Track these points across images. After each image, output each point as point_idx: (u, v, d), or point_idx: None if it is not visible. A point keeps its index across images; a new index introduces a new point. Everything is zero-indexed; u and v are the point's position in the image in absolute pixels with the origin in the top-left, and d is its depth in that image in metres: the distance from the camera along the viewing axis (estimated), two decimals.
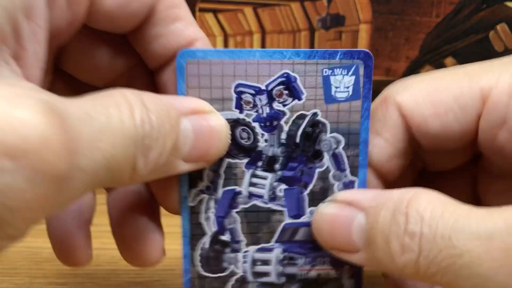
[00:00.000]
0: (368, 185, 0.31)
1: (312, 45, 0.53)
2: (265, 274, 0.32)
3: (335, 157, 0.30)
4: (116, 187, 0.33)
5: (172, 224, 0.34)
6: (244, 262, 0.32)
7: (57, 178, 0.20)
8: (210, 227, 0.31)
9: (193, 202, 0.31)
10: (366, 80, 0.30)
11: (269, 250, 0.31)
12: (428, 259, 0.25)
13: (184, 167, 0.28)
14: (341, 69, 0.29)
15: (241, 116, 0.30)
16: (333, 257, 0.30)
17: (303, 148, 0.30)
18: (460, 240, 0.24)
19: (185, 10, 0.30)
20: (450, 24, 0.53)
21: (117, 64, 0.31)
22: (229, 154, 0.30)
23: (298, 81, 0.30)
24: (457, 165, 0.34)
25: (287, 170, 0.31)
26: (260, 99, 0.30)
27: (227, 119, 0.29)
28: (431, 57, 0.54)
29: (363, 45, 0.53)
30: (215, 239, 0.31)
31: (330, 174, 0.31)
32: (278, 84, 0.30)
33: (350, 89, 0.30)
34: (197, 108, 0.28)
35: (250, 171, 0.31)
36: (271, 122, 0.30)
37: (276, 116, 0.30)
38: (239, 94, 0.30)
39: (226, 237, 0.31)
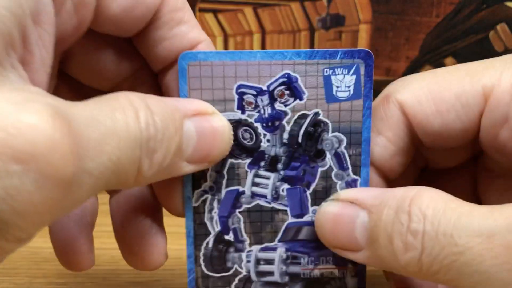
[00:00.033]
0: (370, 184, 0.31)
1: (312, 45, 0.53)
2: (269, 273, 0.32)
3: (337, 156, 0.31)
4: (119, 191, 0.33)
5: (172, 224, 0.34)
6: (248, 261, 0.32)
7: (64, 181, 0.20)
8: (214, 227, 0.31)
9: (196, 202, 0.31)
10: (367, 79, 0.30)
11: (273, 249, 0.31)
12: (430, 256, 0.25)
13: (188, 168, 0.28)
14: (342, 68, 0.29)
15: (243, 116, 0.30)
16: (336, 256, 0.31)
17: (305, 148, 0.30)
18: (462, 238, 0.24)
19: (188, 13, 0.30)
20: (450, 24, 0.53)
21: (122, 68, 0.31)
22: (231, 154, 0.30)
23: (299, 81, 0.30)
24: (458, 163, 0.34)
25: (289, 169, 0.31)
26: (261, 100, 0.30)
27: (229, 120, 0.29)
28: (431, 57, 0.54)
29: (363, 45, 0.53)
30: (218, 239, 0.31)
31: (333, 173, 0.31)
32: (280, 85, 0.30)
33: (351, 88, 0.30)
34: (200, 109, 0.28)
35: (253, 171, 0.31)
36: (273, 122, 0.30)
37: (278, 116, 0.30)
38: (240, 95, 0.30)
39: (229, 237, 0.31)
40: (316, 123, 0.30)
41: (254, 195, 0.31)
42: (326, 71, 0.30)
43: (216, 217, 0.31)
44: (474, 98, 0.29)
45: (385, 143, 0.31)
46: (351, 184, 0.31)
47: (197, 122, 0.28)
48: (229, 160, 0.31)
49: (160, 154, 0.25)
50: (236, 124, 0.30)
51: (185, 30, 0.30)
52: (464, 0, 0.52)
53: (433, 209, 0.25)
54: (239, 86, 0.30)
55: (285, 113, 0.30)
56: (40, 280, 0.42)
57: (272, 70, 0.30)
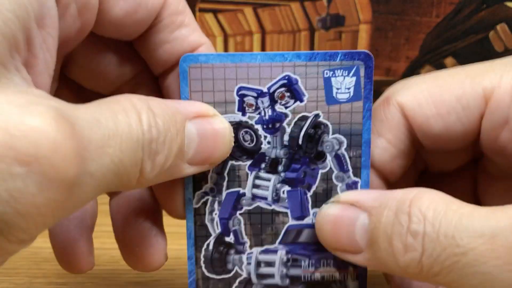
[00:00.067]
0: (371, 186, 0.31)
1: (312, 45, 0.53)
2: (269, 276, 0.32)
3: (338, 158, 0.31)
4: (119, 192, 0.33)
5: (172, 224, 0.34)
6: (248, 263, 0.32)
7: (67, 183, 0.21)
8: (214, 229, 0.31)
9: (197, 204, 0.31)
10: (367, 80, 0.30)
11: (273, 251, 0.32)
12: (431, 258, 0.25)
13: (189, 170, 0.28)
14: (341, 70, 0.30)
15: (244, 118, 0.30)
16: (337, 259, 0.31)
17: (306, 150, 0.30)
18: (464, 239, 0.24)
19: (189, 17, 0.30)
20: (450, 24, 0.53)
21: (122, 71, 0.31)
22: (232, 156, 0.30)
23: (300, 83, 0.30)
24: (458, 165, 0.34)
25: (290, 171, 0.31)
26: (262, 102, 0.30)
27: (230, 122, 0.29)
28: (431, 57, 0.54)
29: (363, 45, 0.53)
30: (219, 241, 0.31)
31: (333, 175, 0.31)
32: (280, 87, 0.30)
33: (351, 90, 0.30)
34: (201, 111, 0.28)
35: (254, 173, 0.31)
36: (273, 124, 0.30)
37: (278, 118, 0.30)
38: (241, 97, 0.30)
39: (230, 239, 0.31)
40: (317, 125, 0.30)
41: (254, 197, 0.31)
42: (326, 73, 0.30)
43: (216, 219, 0.31)
44: (474, 100, 0.29)
45: (385, 145, 0.31)
46: (351, 186, 0.31)
47: (198, 124, 0.28)
48: (230, 162, 0.31)
49: (162, 156, 0.25)
50: (237, 126, 0.30)
51: (186, 33, 0.30)
52: (464, 0, 0.52)
53: (433, 210, 0.25)
54: (240, 88, 0.30)
55: (286, 115, 0.30)
56: (40, 280, 0.42)
57: (272, 72, 0.30)
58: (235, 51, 0.54)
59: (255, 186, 0.31)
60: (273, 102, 0.30)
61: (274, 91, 0.30)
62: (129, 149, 0.23)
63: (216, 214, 0.31)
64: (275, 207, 0.31)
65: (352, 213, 0.29)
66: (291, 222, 0.31)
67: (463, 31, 0.53)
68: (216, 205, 0.31)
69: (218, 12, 0.52)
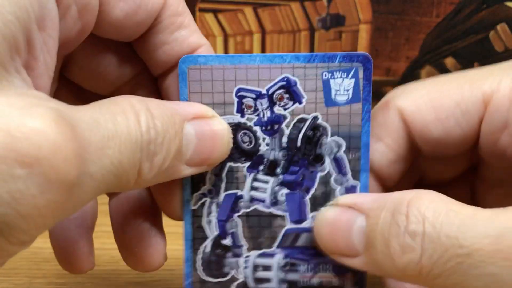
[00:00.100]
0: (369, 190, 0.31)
1: (312, 45, 0.53)
2: (266, 280, 0.31)
3: (337, 161, 0.31)
4: (118, 193, 0.34)
5: (172, 224, 0.34)
6: (245, 267, 0.32)
7: (68, 185, 0.21)
8: (212, 231, 0.31)
9: (195, 205, 0.31)
10: (366, 82, 0.30)
11: (271, 255, 0.31)
12: (431, 259, 0.24)
13: (187, 171, 0.28)
14: (340, 72, 0.30)
15: (243, 120, 0.30)
16: (336, 264, 0.30)
17: (304, 152, 0.30)
18: (468, 239, 0.24)
19: (189, 18, 0.30)
20: (450, 24, 0.53)
21: (122, 72, 0.31)
22: (231, 157, 0.30)
23: (298, 85, 0.30)
24: (455, 174, 0.34)
25: (288, 174, 0.31)
26: (261, 103, 0.30)
27: (228, 123, 0.29)
28: (431, 57, 0.54)
29: (363, 45, 0.53)
30: (216, 243, 0.31)
31: (332, 178, 0.31)
32: (279, 88, 0.30)
33: (350, 92, 0.30)
34: (200, 113, 0.28)
35: (252, 175, 0.31)
36: (272, 126, 0.30)
37: (277, 119, 0.30)
38: (240, 98, 0.30)
39: (227, 242, 0.31)
40: (315, 127, 0.30)
41: (252, 199, 0.31)
42: (325, 75, 0.30)
43: (214, 221, 0.31)
44: (473, 105, 0.29)
45: (384, 149, 0.31)
46: (350, 189, 0.31)
47: (197, 125, 0.28)
48: (228, 164, 0.31)
49: (160, 157, 0.26)
50: (236, 128, 0.30)
51: (185, 35, 0.30)
52: (464, 0, 0.52)
53: (433, 211, 0.25)
54: (239, 90, 0.30)
55: (284, 117, 0.30)
56: (40, 280, 0.42)
57: (271, 73, 0.30)
58: (235, 51, 0.54)
59: (253, 188, 0.31)
60: (272, 103, 0.30)
61: (273, 93, 0.30)
62: (128, 151, 0.24)
63: (214, 216, 0.31)
64: (273, 210, 0.31)
65: (350, 215, 0.28)
66: (289, 225, 0.31)
67: (463, 31, 0.53)
68: (214, 207, 0.31)
69: (218, 12, 0.52)
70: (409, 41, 0.53)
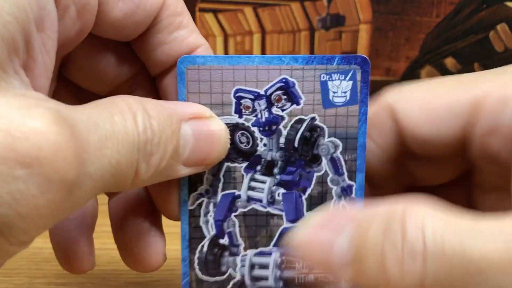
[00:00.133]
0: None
1: (312, 45, 0.54)
2: (263, 278, 0.32)
3: (333, 162, 0.31)
4: (118, 193, 0.34)
5: (172, 225, 0.34)
6: (242, 266, 0.32)
7: (67, 185, 0.21)
8: (209, 231, 0.31)
9: (192, 205, 0.31)
10: (363, 85, 0.30)
11: (267, 254, 0.32)
12: (437, 279, 0.22)
13: (184, 171, 0.28)
14: (338, 74, 0.30)
15: (241, 120, 0.30)
16: None
17: (302, 153, 0.31)
18: (477, 253, 0.21)
19: (187, 18, 0.30)
20: (450, 24, 0.53)
21: (120, 71, 0.31)
22: (228, 158, 0.30)
23: (297, 86, 0.30)
24: (449, 179, 0.34)
25: (285, 174, 0.31)
26: (259, 104, 0.30)
27: (226, 124, 0.30)
28: (431, 57, 0.54)
29: (363, 45, 0.53)
30: (213, 243, 0.31)
31: (328, 179, 0.31)
32: (277, 89, 0.30)
33: (348, 94, 0.30)
34: (198, 113, 0.28)
35: (249, 175, 0.31)
36: (269, 127, 0.30)
37: (274, 120, 0.30)
38: (238, 99, 0.30)
39: (224, 241, 0.31)
40: (313, 128, 0.30)
41: (249, 199, 0.31)
42: (323, 77, 0.30)
43: (211, 221, 0.31)
44: (464, 108, 0.29)
45: (374, 149, 0.31)
46: (346, 189, 0.31)
47: (194, 126, 0.28)
48: (226, 164, 0.31)
49: (157, 157, 0.26)
50: (233, 128, 0.30)
51: (184, 35, 0.30)
52: (464, 0, 0.52)
53: (432, 224, 0.22)
54: (237, 90, 0.30)
55: (282, 118, 0.30)
56: (40, 280, 0.42)
57: (269, 74, 0.30)
58: (235, 51, 0.54)
59: (250, 188, 0.31)
60: (269, 104, 0.30)
61: (271, 94, 0.30)
62: (126, 151, 0.24)
63: (211, 216, 0.31)
64: (270, 209, 0.31)
65: (331, 230, 0.25)
66: (286, 224, 0.31)
67: (463, 31, 0.53)
68: (211, 207, 0.31)
69: (218, 12, 0.52)
70: (409, 41, 0.53)
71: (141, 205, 0.33)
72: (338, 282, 0.28)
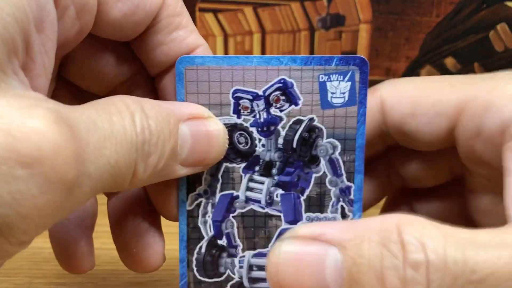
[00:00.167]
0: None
1: (312, 45, 0.54)
2: (261, 280, 0.32)
3: (332, 163, 0.31)
4: (117, 193, 0.34)
5: (172, 224, 0.34)
6: (240, 267, 0.32)
7: (67, 185, 0.21)
8: (207, 231, 0.31)
9: (190, 206, 0.31)
10: (362, 86, 0.30)
11: (266, 255, 0.31)
12: None
13: (182, 171, 0.28)
14: (337, 75, 0.30)
15: (239, 121, 0.30)
16: None
17: (300, 153, 0.31)
18: (480, 264, 0.22)
19: (187, 18, 0.30)
20: (450, 24, 0.53)
21: (119, 71, 0.31)
22: (226, 158, 0.30)
23: (295, 87, 0.30)
24: (439, 182, 0.34)
25: (284, 175, 0.31)
26: (257, 105, 0.30)
27: (225, 124, 0.30)
28: (431, 57, 0.54)
29: (363, 45, 0.53)
30: (212, 244, 0.31)
31: (327, 180, 0.31)
32: (275, 90, 0.30)
33: (346, 94, 0.30)
34: (196, 113, 0.28)
35: (247, 175, 0.31)
36: (268, 127, 0.30)
37: (273, 121, 0.30)
38: (236, 99, 0.30)
39: (223, 242, 0.31)
40: (311, 129, 0.30)
41: (248, 199, 0.31)
42: (322, 77, 0.30)
43: (209, 221, 0.31)
44: (447, 109, 0.30)
45: None
46: (344, 190, 0.31)
47: (192, 126, 0.28)
48: (224, 164, 0.31)
49: (154, 157, 0.26)
50: (232, 128, 0.30)
51: (183, 35, 0.30)
52: (464, 0, 0.52)
53: (430, 237, 0.22)
54: (235, 91, 0.30)
55: (280, 118, 0.30)
56: (40, 280, 0.42)
57: (268, 75, 0.30)
58: (235, 50, 0.54)
59: (248, 188, 0.31)
60: (268, 105, 0.30)
61: (269, 94, 0.30)
62: (124, 151, 0.24)
63: (209, 216, 0.31)
64: (268, 210, 0.31)
65: (318, 249, 0.24)
66: (284, 225, 0.31)
67: (463, 31, 0.53)
68: (209, 207, 0.31)
69: (218, 12, 0.52)
70: (409, 41, 0.53)
71: (140, 205, 0.33)
72: None
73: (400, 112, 0.31)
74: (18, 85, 0.22)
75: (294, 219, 0.31)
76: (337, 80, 0.30)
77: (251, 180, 0.31)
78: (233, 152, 0.31)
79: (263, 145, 0.31)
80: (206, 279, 0.32)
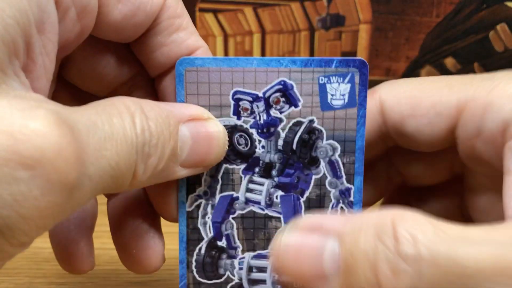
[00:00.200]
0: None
1: (312, 45, 0.54)
2: (261, 281, 0.32)
3: (331, 164, 0.31)
4: (117, 194, 0.34)
5: (171, 224, 0.34)
6: (240, 268, 0.32)
7: (68, 186, 0.21)
8: (207, 233, 0.31)
9: (190, 207, 0.31)
10: (362, 88, 0.30)
11: (265, 257, 0.32)
12: (430, 283, 0.22)
13: (182, 172, 0.28)
14: (337, 77, 0.30)
15: (239, 122, 0.30)
16: None
17: (300, 155, 0.31)
18: (470, 260, 0.22)
19: (187, 20, 0.30)
20: (450, 24, 0.53)
21: (119, 73, 0.31)
22: (226, 159, 0.30)
23: (295, 89, 0.30)
24: (439, 180, 0.34)
25: (283, 176, 0.31)
26: (257, 106, 0.30)
27: (225, 126, 0.30)
28: (431, 57, 0.54)
29: (363, 45, 0.54)
30: (211, 245, 0.31)
31: (326, 181, 0.31)
32: (275, 92, 0.30)
33: (346, 96, 0.30)
34: (196, 115, 0.28)
35: (247, 177, 0.31)
36: (268, 129, 0.30)
37: (273, 122, 0.30)
38: (236, 101, 0.30)
39: (222, 243, 0.31)
40: (311, 131, 0.30)
41: (248, 201, 0.31)
42: (322, 79, 0.30)
43: (209, 223, 0.31)
44: (447, 109, 0.30)
45: None
46: (344, 192, 0.31)
47: (192, 127, 0.28)
48: (224, 165, 0.31)
49: (154, 159, 0.26)
50: (232, 130, 0.30)
51: (183, 37, 0.30)
52: (464, 0, 0.52)
53: (422, 231, 0.23)
54: (235, 92, 0.30)
55: (280, 120, 0.30)
56: (40, 280, 0.42)
57: (268, 77, 0.30)
58: (235, 50, 0.54)
59: (248, 190, 0.31)
60: (268, 106, 0.30)
61: (269, 96, 0.30)
62: (124, 152, 0.24)
63: (209, 217, 0.31)
64: (268, 211, 0.31)
65: (318, 239, 0.25)
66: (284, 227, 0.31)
67: (463, 31, 0.53)
68: (209, 209, 0.31)
69: (218, 12, 0.52)
70: (409, 41, 0.53)
71: (140, 206, 0.33)
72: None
73: (400, 113, 0.31)
74: (19, 86, 0.22)
75: None
76: (337, 82, 0.30)
77: (251, 181, 0.31)
78: (233, 154, 0.31)
79: (263, 147, 0.31)
80: (206, 281, 0.32)
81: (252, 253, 0.32)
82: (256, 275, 0.32)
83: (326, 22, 0.53)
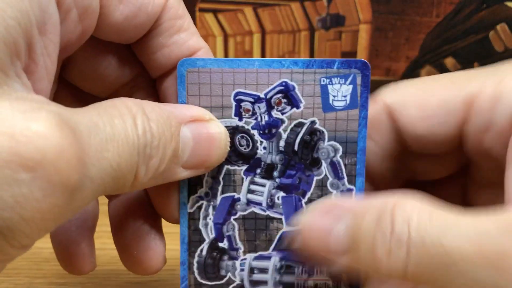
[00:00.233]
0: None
1: (312, 45, 0.54)
2: (262, 282, 0.32)
3: (333, 165, 0.31)
4: (118, 195, 0.34)
5: (172, 225, 0.34)
6: (242, 270, 0.32)
7: (70, 188, 0.21)
8: (208, 234, 0.31)
9: (191, 208, 0.31)
10: (364, 89, 0.30)
11: (267, 258, 0.32)
12: (418, 266, 0.24)
13: (184, 173, 0.28)
14: (338, 78, 0.30)
15: (240, 123, 0.30)
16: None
17: (301, 156, 0.31)
18: (454, 246, 0.23)
19: (188, 21, 0.30)
20: (450, 24, 0.53)
21: (120, 74, 0.31)
22: (228, 160, 0.30)
23: (297, 90, 0.30)
24: (447, 174, 0.34)
25: (285, 177, 0.31)
26: (259, 107, 0.30)
27: (226, 127, 0.30)
28: (431, 57, 0.54)
29: (363, 45, 0.54)
30: (213, 246, 0.31)
31: (328, 183, 0.31)
32: (277, 93, 0.30)
33: (348, 98, 0.30)
34: (197, 116, 0.28)
35: (249, 178, 0.31)
36: (269, 130, 0.30)
37: (274, 123, 0.30)
38: (238, 102, 0.30)
39: (224, 244, 0.31)
40: (313, 132, 0.30)
41: (249, 202, 0.31)
42: (323, 80, 0.30)
43: (211, 224, 0.31)
44: (456, 105, 0.30)
45: (373, 147, 0.31)
46: (346, 193, 0.31)
47: (193, 128, 0.28)
48: (226, 167, 0.31)
49: (156, 160, 0.26)
50: (233, 131, 0.30)
51: (185, 38, 0.30)
52: (464, 0, 0.52)
53: (417, 217, 0.24)
54: (237, 93, 0.30)
55: (282, 121, 0.30)
56: (40, 280, 0.42)
57: (269, 78, 0.30)
58: (235, 51, 0.54)
59: (250, 191, 0.31)
60: (269, 108, 0.30)
61: (271, 97, 0.30)
62: (126, 154, 0.24)
63: (210, 219, 0.31)
64: (269, 213, 0.31)
65: (330, 218, 0.27)
66: (286, 228, 0.31)
67: (463, 31, 0.53)
68: (210, 210, 0.31)
69: (218, 12, 0.52)
70: (409, 41, 0.53)
71: (141, 207, 0.33)
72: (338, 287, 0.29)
73: (411, 118, 0.31)
74: (20, 87, 0.22)
75: None
76: (339, 83, 0.30)
77: (252, 182, 0.31)
78: (234, 155, 0.31)
79: (264, 148, 0.31)
80: (207, 282, 0.32)
81: (253, 254, 0.32)
82: (257, 276, 0.32)
83: (326, 22, 0.53)
